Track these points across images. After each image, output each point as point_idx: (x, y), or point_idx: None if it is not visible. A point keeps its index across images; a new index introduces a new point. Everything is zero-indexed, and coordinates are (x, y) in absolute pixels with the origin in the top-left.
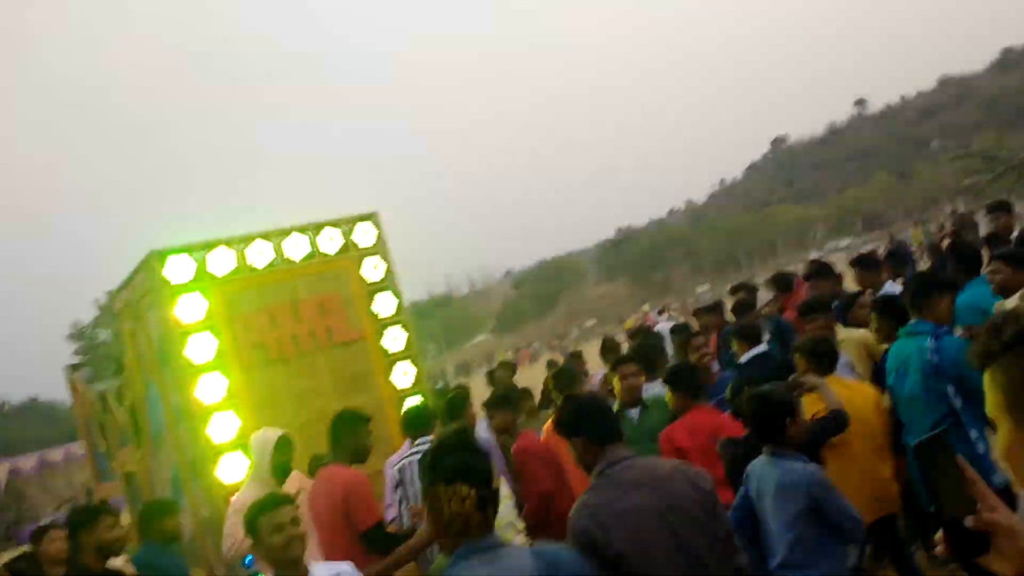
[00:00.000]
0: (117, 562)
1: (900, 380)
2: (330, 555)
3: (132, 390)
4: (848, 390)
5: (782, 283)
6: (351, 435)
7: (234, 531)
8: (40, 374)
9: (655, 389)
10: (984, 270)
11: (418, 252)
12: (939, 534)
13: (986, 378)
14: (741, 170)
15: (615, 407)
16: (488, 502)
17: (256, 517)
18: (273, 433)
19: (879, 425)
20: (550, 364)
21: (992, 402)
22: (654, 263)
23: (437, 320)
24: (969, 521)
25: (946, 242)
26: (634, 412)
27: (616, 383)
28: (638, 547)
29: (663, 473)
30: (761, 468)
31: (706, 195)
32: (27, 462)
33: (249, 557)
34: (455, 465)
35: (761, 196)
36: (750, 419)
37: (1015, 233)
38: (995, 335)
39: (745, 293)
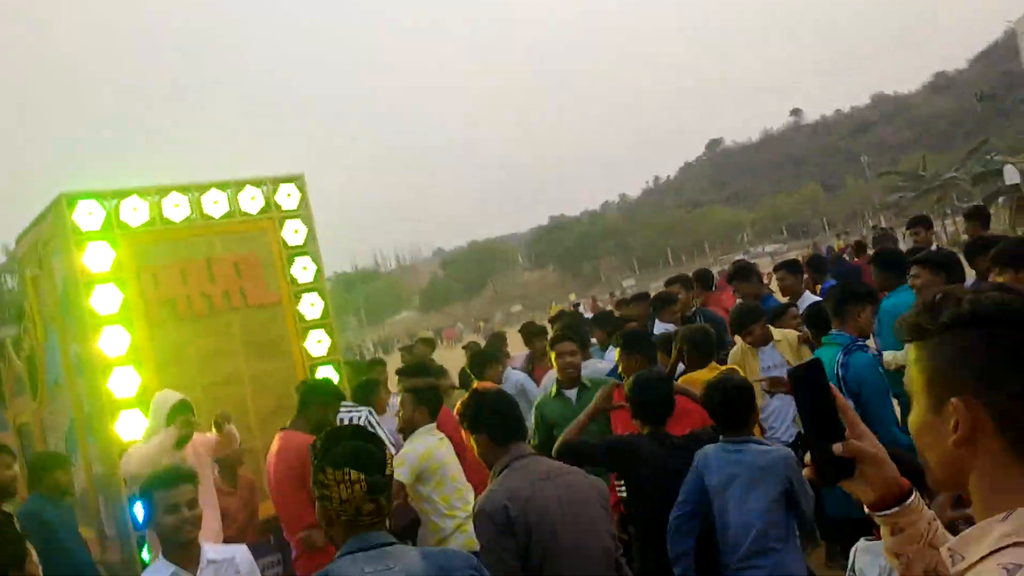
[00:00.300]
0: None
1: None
2: (285, 515)
3: (31, 339)
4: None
5: (704, 280)
6: (321, 408)
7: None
8: None
9: (588, 368)
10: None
11: (346, 222)
12: (807, 458)
13: (911, 352)
14: (676, 169)
15: (552, 389)
16: (381, 490)
17: (153, 491)
18: (173, 395)
19: None
20: (471, 345)
21: (913, 378)
22: (584, 254)
23: (361, 293)
24: (837, 448)
25: (858, 253)
26: (571, 393)
27: (554, 362)
28: (547, 526)
29: (566, 469)
30: (722, 455)
31: (640, 190)
32: None
33: (145, 518)
34: (346, 450)
35: (693, 196)
36: (717, 406)
37: (933, 247)
38: (932, 314)
39: (680, 286)
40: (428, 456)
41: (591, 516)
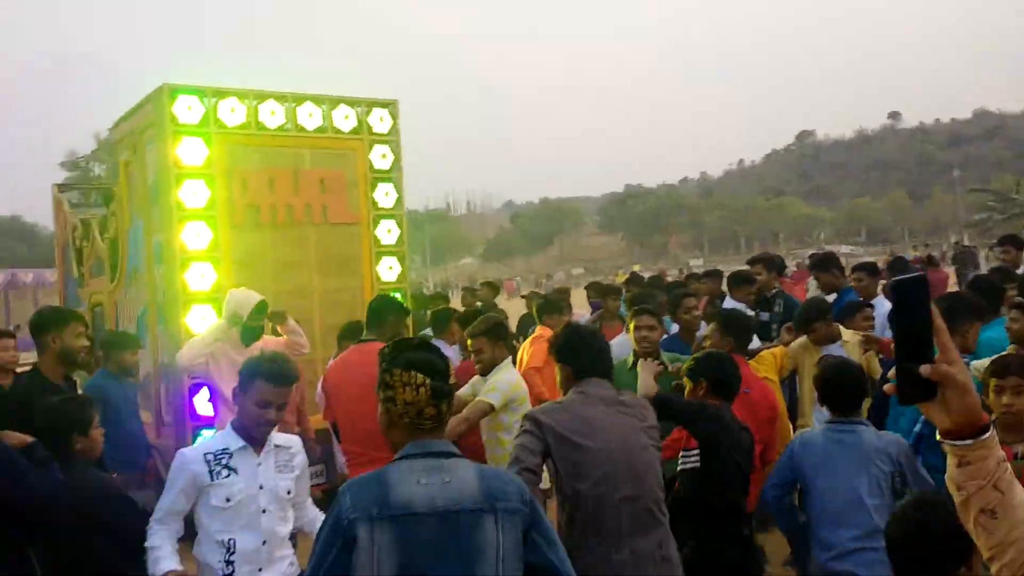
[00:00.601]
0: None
1: None
2: (353, 428)
3: (117, 222)
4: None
5: (779, 266)
6: (396, 323)
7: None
8: (27, 196)
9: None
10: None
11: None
12: (891, 373)
13: None
14: (761, 155)
15: (628, 359)
16: (443, 396)
17: (257, 377)
18: (256, 296)
19: None
20: (533, 295)
21: None
22: (655, 226)
23: (427, 233)
24: (925, 369)
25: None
26: None
27: (631, 333)
28: (598, 441)
29: (629, 405)
30: (831, 435)
31: (722, 171)
32: None
33: (236, 392)
34: (413, 357)
35: (775, 185)
36: (828, 387)
37: (1021, 269)
38: None
39: (762, 266)
40: (518, 387)
41: (639, 443)
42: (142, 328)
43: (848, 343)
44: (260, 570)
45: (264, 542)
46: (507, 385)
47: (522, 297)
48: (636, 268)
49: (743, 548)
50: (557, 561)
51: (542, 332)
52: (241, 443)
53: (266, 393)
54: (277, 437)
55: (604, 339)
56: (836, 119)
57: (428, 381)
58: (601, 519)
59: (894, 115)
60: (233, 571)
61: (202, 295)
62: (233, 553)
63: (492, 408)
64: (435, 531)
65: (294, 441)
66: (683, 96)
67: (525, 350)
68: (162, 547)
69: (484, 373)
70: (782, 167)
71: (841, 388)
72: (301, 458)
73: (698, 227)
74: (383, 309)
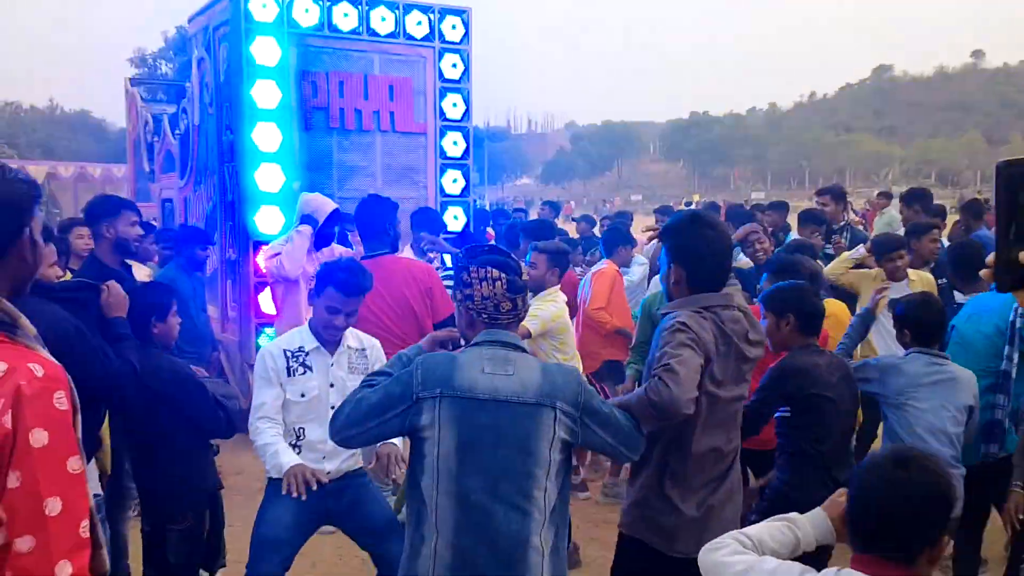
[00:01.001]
0: (141, 273)
1: (971, 322)
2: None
3: (188, 119)
4: None
5: (843, 197)
6: (392, 226)
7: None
8: (96, 92)
9: None
10: None
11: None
12: (989, 259)
13: None
14: (835, 88)
15: None
16: (519, 291)
17: (330, 284)
18: (331, 203)
19: None
20: (584, 219)
21: None
22: (718, 156)
23: (486, 150)
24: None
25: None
26: None
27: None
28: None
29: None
30: (919, 359)
31: (792, 103)
32: (67, 170)
33: (312, 293)
34: (488, 257)
35: (846, 120)
36: (913, 318)
37: None
38: None
39: (830, 198)
40: (558, 318)
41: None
42: (211, 225)
43: (915, 281)
44: (324, 458)
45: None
46: (548, 315)
47: (573, 220)
48: (696, 198)
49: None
50: (614, 441)
51: (608, 268)
52: (316, 343)
53: (336, 300)
54: (351, 338)
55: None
56: (916, 55)
57: (504, 276)
58: None
59: (977, 54)
60: (300, 452)
61: (271, 196)
62: (301, 439)
63: (529, 335)
64: (494, 417)
65: (370, 343)
66: (757, 24)
67: (588, 284)
68: (276, 442)
69: (531, 289)
70: (855, 102)
71: (927, 321)
72: (376, 358)
73: (762, 160)
74: (383, 214)
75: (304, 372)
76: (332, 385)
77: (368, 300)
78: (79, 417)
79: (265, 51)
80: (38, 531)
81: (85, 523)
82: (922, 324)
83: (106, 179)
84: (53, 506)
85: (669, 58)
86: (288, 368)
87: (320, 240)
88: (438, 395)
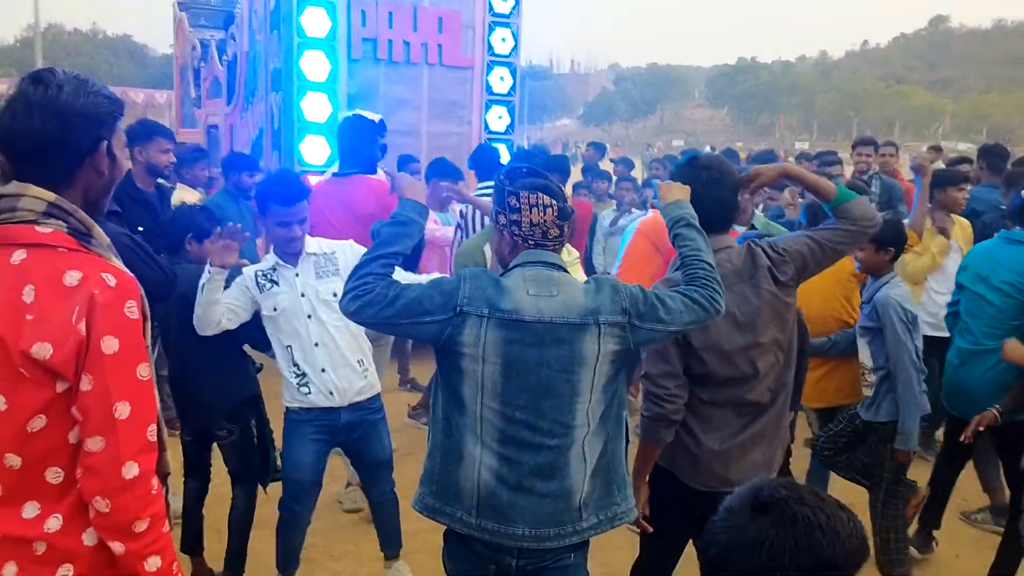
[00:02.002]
0: (191, 197)
1: (978, 281)
2: None
3: (236, 46)
4: None
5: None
6: (368, 145)
7: None
8: (138, 15)
9: None
10: None
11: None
12: None
13: None
14: (888, 39)
15: None
16: (566, 217)
17: (268, 201)
18: (374, 116)
19: None
20: (653, 162)
21: None
22: (765, 104)
23: (527, 89)
24: None
25: None
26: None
27: None
28: None
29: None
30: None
31: (843, 52)
32: None
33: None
34: (535, 181)
35: (897, 72)
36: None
37: None
38: None
39: (861, 150)
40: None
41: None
42: (256, 152)
43: (955, 226)
44: (323, 370)
45: (316, 344)
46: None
47: (611, 160)
48: (739, 145)
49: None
50: (664, 330)
51: (654, 221)
52: (279, 261)
53: (282, 214)
54: (310, 244)
55: None
56: (974, 7)
57: (555, 203)
58: None
59: None
60: (304, 374)
61: (318, 125)
62: (294, 359)
63: None
64: (539, 338)
65: (336, 246)
66: None
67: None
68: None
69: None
70: (908, 53)
71: None
72: (347, 259)
73: (809, 109)
74: (358, 135)
75: (271, 286)
76: (303, 295)
77: (331, 218)
78: (148, 326)
79: None
80: (108, 433)
81: (152, 427)
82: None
83: (148, 104)
84: (122, 410)
85: (718, 2)
86: (258, 284)
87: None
88: (485, 315)
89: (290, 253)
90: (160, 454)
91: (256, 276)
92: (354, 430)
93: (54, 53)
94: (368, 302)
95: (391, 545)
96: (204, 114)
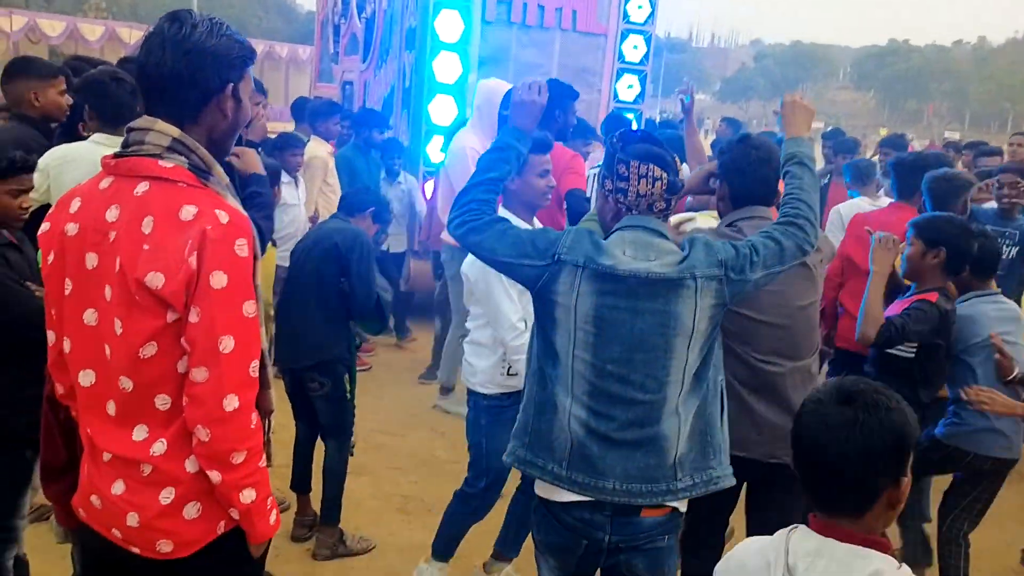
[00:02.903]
0: (323, 149)
1: None
2: None
3: (376, 3)
4: None
5: None
6: (563, 112)
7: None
8: None
9: None
10: None
11: None
12: None
13: None
14: None
15: None
16: (675, 191)
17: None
18: (504, 86)
19: None
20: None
21: None
22: (914, 89)
23: (663, 62)
24: None
25: None
26: None
27: None
28: None
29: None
30: (991, 306)
31: (1004, 39)
32: (256, 47)
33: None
34: (649, 149)
35: None
36: (974, 254)
37: None
38: None
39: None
40: None
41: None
42: (387, 109)
43: None
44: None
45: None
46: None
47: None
48: (883, 132)
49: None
50: (773, 270)
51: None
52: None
53: (542, 163)
54: None
55: None
56: None
57: (665, 175)
58: None
59: None
60: (510, 366)
61: (447, 86)
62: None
63: None
64: (632, 292)
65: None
66: None
67: None
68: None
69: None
70: None
71: (986, 256)
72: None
73: (962, 97)
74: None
75: None
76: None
77: None
78: (259, 265)
79: None
80: (212, 365)
81: (255, 363)
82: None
83: (291, 58)
84: (226, 343)
85: None
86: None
87: (501, 124)
88: (580, 265)
89: (537, 208)
90: (263, 391)
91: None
92: None
93: (210, 5)
94: (476, 228)
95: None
96: (340, 70)
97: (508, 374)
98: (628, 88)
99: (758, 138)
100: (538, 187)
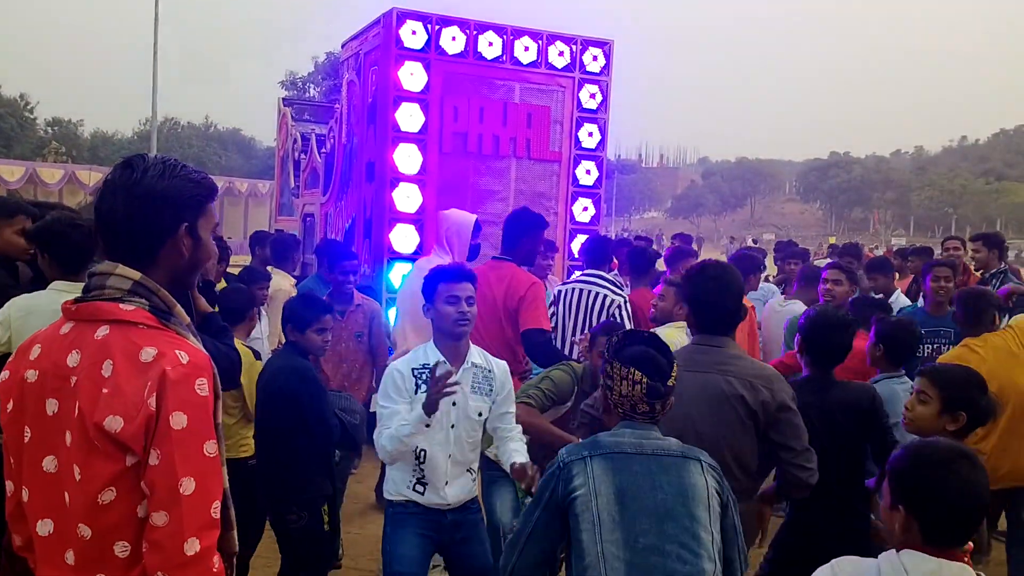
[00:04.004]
0: (286, 283)
1: None
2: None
3: (334, 139)
4: None
5: (998, 244)
6: (530, 240)
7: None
8: (247, 111)
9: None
10: None
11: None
12: None
13: None
14: (988, 134)
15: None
16: (658, 396)
17: (437, 283)
18: (471, 216)
19: None
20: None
21: None
22: (858, 199)
23: (615, 183)
24: None
25: None
26: None
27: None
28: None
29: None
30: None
31: (940, 147)
32: (216, 183)
33: (426, 304)
34: (639, 353)
35: (998, 168)
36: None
37: None
38: None
39: (983, 244)
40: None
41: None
42: (348, 240)
43: None
44: (447, 484)
45: (449, 455)
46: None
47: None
48: (831, 240)
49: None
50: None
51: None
52: (440, 357)
53: (452, 289)
54: (476, 355)
55: None
56: None
57: (645, 380)
58: None
59: None
60: (423, 477)
61: (408, 215)
62: (423, 463)
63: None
64: (645, 466)
65: (497, 364)
66: (905, 66)
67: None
68: (404, 420)
69: (655, 320)
70: (1009, 149)
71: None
72: (503, 383)
73: (905, 204)
74: (517, 225)
75: (427, 388)
76: (454, 404)
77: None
78: (220, 404)
79: (412, 76)
80: (172, 507)
81: (216, 504)
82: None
83: (251, 193)
84: (187, 485)
85: (809, 96)
86: (416, 385)
87: (473, 252)
88: (587, 455)
89: (456, 336)
90: (225, 532)
91: (416, 376)
92: (459, 530)
93: (168, 145)
94: (516, 567)
95: None
96: (301, 203)
97: (414, 488)
98: (583, 211)
99: (716, 267)
100: (447, 313)
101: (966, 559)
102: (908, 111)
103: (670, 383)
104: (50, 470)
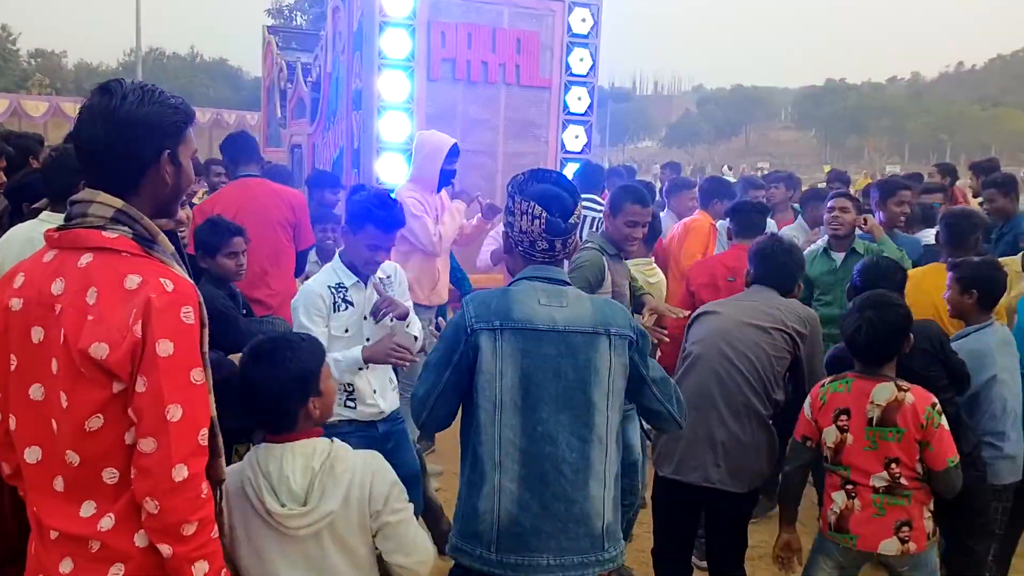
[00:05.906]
0: None
1: None
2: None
3: (320, 67)
4: None
5: (951, 172)
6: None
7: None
8: (234, 41)
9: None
10: None
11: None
12: None
13: None
14: (985, 60)
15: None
16: (558, 234)
17: (367, 222)
18: (449, 139)
19: None
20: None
21: None
22: (853, 126)
23: (608, 111)
24: None
25: None
26: (839, 255)
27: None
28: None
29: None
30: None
31: (936, 74)
32: (203, 115)
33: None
34: (542, 190)
35: (994, 94)
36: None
37: None
38: None
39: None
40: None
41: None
42: (336, 170)
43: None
44: (374, 391)
45: (370, 366)
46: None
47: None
48: (827, 168)
49: None
50: (649, 375)
51: (701, 220)
52: (354, 278)
53: (377, 238)
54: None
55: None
56: None
57: (545, 215)
58: None
59: None
60: (352, 391)
61: (395, 144)
62: (351, 383)
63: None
64: (554, 347)
65: (392, 269)
66: None
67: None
68: (338, 355)
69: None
70: (1006, 75)
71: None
72: (400, 281)
73: (900, 132)
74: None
75: (346, 307)
76: (365, 318)
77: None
78: (206, 332)
79: (397, 1)
80: (159, 434)
81: (204, 431)
82: None
83: (239, 125)
84: (174, 412)
85: (805, 22)
86: (334, 304)
87: (444, 178)
88: (498, 327)
89: (368, 275)
90: (213, 459)
91: (332, 293)
92: (388, 440)
93: (154, 76)
94: (424, 396)
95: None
96: (288, 134)
97: (345, 405)
98: (575, 139)
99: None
100: (365, 257)
101: None
102: (905, 37)
103: (572, 220)
104: (37, 398)
